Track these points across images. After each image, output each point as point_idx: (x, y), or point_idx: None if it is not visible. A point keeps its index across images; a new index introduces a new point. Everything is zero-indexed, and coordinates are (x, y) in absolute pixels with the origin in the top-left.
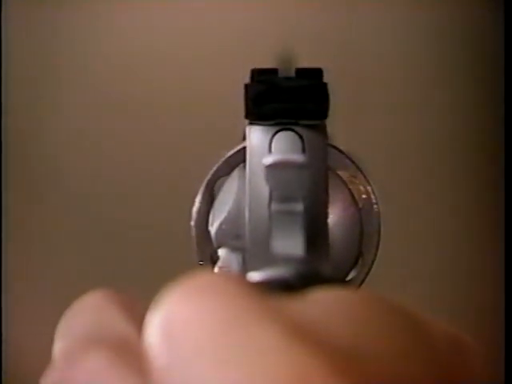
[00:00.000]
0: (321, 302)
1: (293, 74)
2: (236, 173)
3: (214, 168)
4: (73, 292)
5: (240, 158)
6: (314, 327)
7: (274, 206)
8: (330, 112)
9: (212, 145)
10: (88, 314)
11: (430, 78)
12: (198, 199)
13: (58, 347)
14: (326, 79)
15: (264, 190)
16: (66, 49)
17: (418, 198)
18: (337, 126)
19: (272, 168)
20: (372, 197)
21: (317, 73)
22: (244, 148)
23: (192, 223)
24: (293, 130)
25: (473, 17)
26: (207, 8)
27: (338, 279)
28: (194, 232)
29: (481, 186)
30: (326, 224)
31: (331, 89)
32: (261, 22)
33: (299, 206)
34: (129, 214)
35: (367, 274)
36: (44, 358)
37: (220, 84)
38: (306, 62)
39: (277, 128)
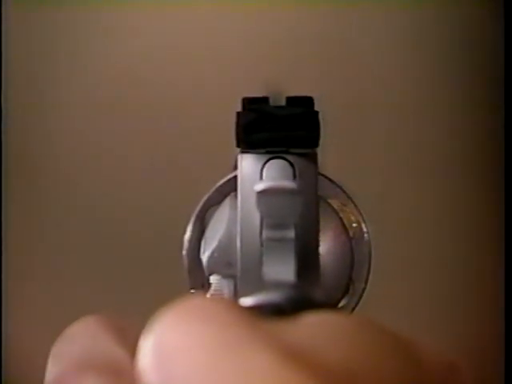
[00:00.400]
0: (313, 326)
1: (283, 102)
2: (227, 201)
3: (205, 197)
4: (73, 293)
5: (231, 186)
6: (307, 350)
7: (266, 233)
8: (321, 140)
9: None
10: (81, 339)
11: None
12: (189, 228)
13: (51, 372)
14: (317, 106)
15: (255, 217)
16: (66, 49)
17: (416, 210)
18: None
19: (263, 194)
20: (363, 225)
21: (308, 101)
22: (235, 177)
23: (184, 252)
24: (284, 158)
25: (473, 17)
26: (208, 12)
27: (329, 304)
28: (185, 260)
29: (480, 190)
30: (317, 251)
31: (323, 116)
32: (261, 33)
33: (290, 233)
34: (126, 226)
35: (358, 301)
36: (44, 358)
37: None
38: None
39: (268, 156)
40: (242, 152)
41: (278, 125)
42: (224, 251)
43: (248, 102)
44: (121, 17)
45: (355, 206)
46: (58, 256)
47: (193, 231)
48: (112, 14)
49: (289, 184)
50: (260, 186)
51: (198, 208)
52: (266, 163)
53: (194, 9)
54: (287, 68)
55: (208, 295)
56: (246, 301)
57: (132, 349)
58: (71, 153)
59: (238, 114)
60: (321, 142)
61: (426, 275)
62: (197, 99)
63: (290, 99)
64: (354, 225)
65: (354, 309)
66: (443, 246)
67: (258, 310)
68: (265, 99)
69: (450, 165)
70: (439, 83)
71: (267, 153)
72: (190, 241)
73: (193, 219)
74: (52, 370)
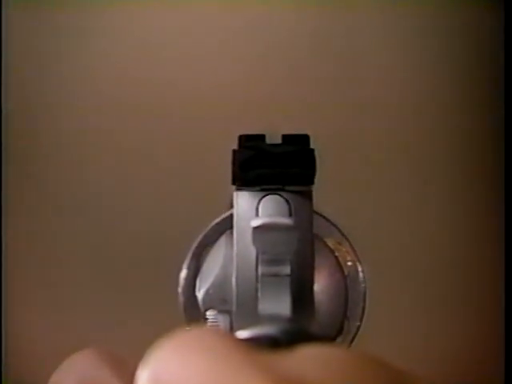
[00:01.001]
0: (308, 358)
1: (279, 139)
2: (223, 239)
3: (201, 235)
4: (73, 296)
5: (227, 224)
6: (301, 381)
7: (261, 269)
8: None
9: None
10: (78, 370)
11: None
12: (185, 265)
13: None
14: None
15: (251, 253)
16: (67, 48)
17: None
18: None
19: (259, 230)
20: (357, 264)
21: (303, 139)
22: (231, 215)
23: (179, 289)
24: (279, 195)
25: (473, 17)
26: (210, 12)
27: (325, 338)
28: (181, 297)
29: (480, 191)
30: (312, 287)
31: (319, 154)
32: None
33: (286, 269)
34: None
35: (353, 339)
36: (44, 358)
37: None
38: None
39: (264, 193)
40: (238, 189)
41: (273, 162)
42: (219, 288)
43: (244, 140)
44: (121, 17)
45: (350, 244)
46: (58, 256)
47: (189, 268)
48: (113, 13)
49: (285, 220)
50: (256, 222)
51: (193, 246)
52: (261, 200)
53: (195, 9)
54: (286, 72)
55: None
56: (242, 334)
57: (129, 381)
58: (71, 153)
59: (234, 151)
60: (316, 179)
61: (424, 277)
62: (198, 100)
63: (285, 137)
64: (349, 263)
65: (349, 346)
66: (441, 249)
67: (254, 342)
68: (261, 137)
69: (449, 174)
70: (439, 83)
71: (263, 190)
72: (186, 278)
73: (189, 257)
74: None
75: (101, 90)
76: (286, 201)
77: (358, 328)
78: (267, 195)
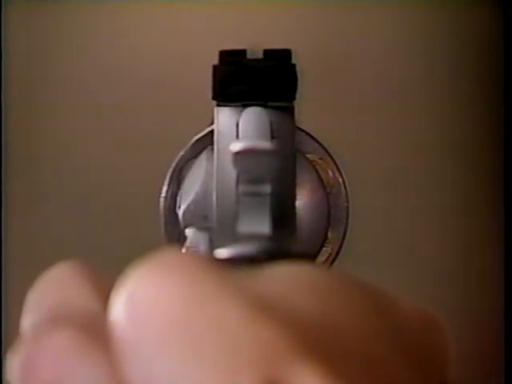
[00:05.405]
0: (283, 277)
1: (261, 55)
2: (204, 155)
3: (182, 151)
4: None
5: (208, 140)
6: (278, 302)
7: (242, 188)
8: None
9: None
10: (56, 287)
11: (423, 75)
12: (166, 182)
13: (26, 323)
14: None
15: (232, 172)
16: (66, 50)
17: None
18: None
19: (239, 154)
20: (339, 179)
21: (285, 54)
22: (212, 131)
23: (161, 205)
24: (260, 110)
25: (473, 17)
26: (204, 13)
27: (306, 256)
28: (162, 214)
29: (480, 186)
30: (293, 204)
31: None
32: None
33: (266, 188)
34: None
35: (338, 253)
36: None
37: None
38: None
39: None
40: (219, 105)
41: (254, 77)
42: (200, 204)
43: (225, 55)
44: (122, 17)
45: (333, 160)
46: (58, 255)
47: (169, 186)
48: (113, 13)
49: (265, 145)
50: (236, 147)
51: (174, 162)
52: (242, 115)
53: (193, 9)
54: None
55: (183, 248)
56: (221, 252)
57: (107, 298)
58: (68, 153)
59: (215, 67)
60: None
61: (424, 276)
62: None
63: (267, 52)
64: (331, 178)
65: (333, 261)
66: (441, 244)
67: (233, 262)
68: (242, 52)
69: (446, 164)
70: (438, 83)
71: (244, 106)
72: (167, 195)
73: (169, 174)
74: (27, 319)
75: (101, 89)
76: (267, 117)
77: (343, 240)
78: (248, 108)
